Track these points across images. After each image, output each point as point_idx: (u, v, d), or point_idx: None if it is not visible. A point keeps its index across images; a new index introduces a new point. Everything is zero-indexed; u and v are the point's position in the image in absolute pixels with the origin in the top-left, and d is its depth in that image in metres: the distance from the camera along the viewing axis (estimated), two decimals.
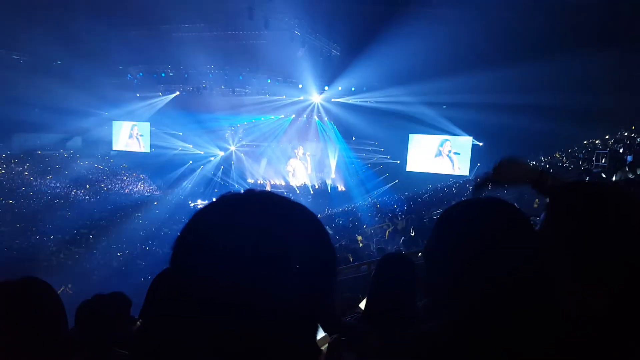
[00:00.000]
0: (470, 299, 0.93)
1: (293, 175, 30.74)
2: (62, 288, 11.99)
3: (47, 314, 1.50)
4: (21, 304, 1.46)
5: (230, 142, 32.56)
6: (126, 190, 28.95)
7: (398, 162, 27.66)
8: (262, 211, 0.65)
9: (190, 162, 31.88)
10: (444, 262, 0.99)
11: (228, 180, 31.14)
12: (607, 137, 15.47)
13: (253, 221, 0.63)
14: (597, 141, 15.48)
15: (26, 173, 26.19)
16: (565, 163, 13.02)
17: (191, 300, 0.59)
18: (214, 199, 0.70)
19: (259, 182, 31.35)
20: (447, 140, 25.13)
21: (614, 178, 6.57)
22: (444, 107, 24.06)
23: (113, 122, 32.24)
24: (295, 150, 30.88)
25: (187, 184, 30.79)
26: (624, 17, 16.32)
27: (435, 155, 25.45)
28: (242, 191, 0.70)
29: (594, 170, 7.65)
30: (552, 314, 0.88)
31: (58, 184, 26.30)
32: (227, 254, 0.59)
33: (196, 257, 0.61)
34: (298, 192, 29.48)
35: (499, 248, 0.93)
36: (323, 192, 29.08)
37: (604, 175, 6.99)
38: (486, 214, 1.01)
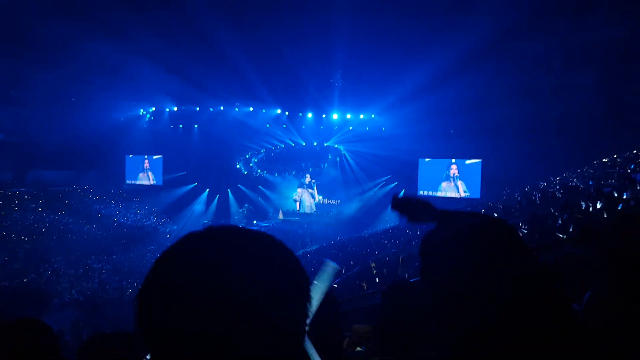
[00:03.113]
0: (464, 322, 0.90)
1: (300, 203, 30.79)
2: (64, 327, 11.85)
3: (40, 355, 1.51)
4: (16, 345, 1.48)
5: (243, 171, 32.84)
6: (139, 224, 29.13)
7: (403, 190, 27.68)
8: (224, 248, 0.63)
9: (205, 192, 32.10)
10: (436, 285, 0.97)
11: (240, 210, 31.25)
12: (615, 156, 15.35)
13: (216, 261, 0.61)
14: (606, 160, 15.35)
15: (40, 209, 26.52)
16: (576, 183, 12.91)
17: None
18: (176, 242, 0.66)
19: (269, 211, 31.43)
20: (452, 163, 25.20)
21: (624, 196, 6.53)
22: (452, 131, 24.15)
23: (126, 156, 32.81)
24: (302, 180, 31.04)
25: (200, 216, 30.92)
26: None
27: (444, 179, 25.50)
28: (203, 229, 0.68)
29: (605, 190, 7.58)
30: (554, 331, 0.85)
31: (71, 220, 26.56)
32: (194, 298, 0.57)
33: (162, 308, 0.58)
34: (311, 219, 29.44)
35: (490, 268, 0.90)
36: (334, 220, 28.98)
37: (615, 194, 6.94)
38: (475, 232, 0.97)
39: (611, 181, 9.19)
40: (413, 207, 1.41)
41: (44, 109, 26.23)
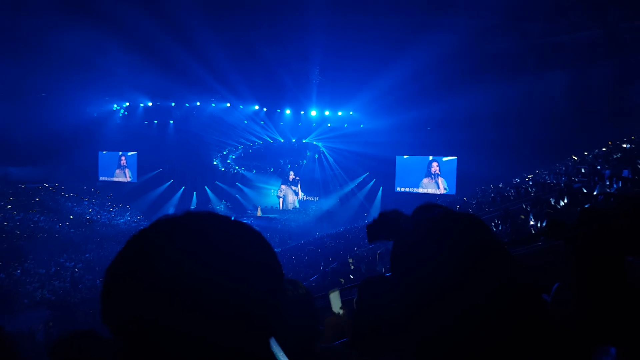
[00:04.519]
0: (444, 320, 0.90)
1: (283, 199, 30.77)
2: (35, 327, 11.56)
3: None
4: None
5: (220, 168, 32.56)
6: (113, 222, 28.58)
7: (381, 187, 27.98)
8: (198, 231, 0.63)
9: (181, 189, 31.67)
10: (407, 287, 0.95)
11: (218, 208, 31.01)
12: (585, 153, 15.84)
13: (190, 242, 0.61)
14: (576, 158, 15.84)
15: (9, 207, 25.74)
16: (548, 179, 13.25)
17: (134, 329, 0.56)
18: (150, 225, 0.66)
19: (247, 207, 31.26)
20: (432, 160, 25.55)
21: (595, 192, 6.74)
22: (429, 128, 24.44)
23: (99, 152, 32.11)
24: (286, 177, 31.01)
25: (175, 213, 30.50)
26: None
27: (426, 176, 25.80)
28: (180, 214, 0.68)
29: (575, 186, 7.81)
30: (534, 334, 0.86)
31: (42, 218, 25.87)
32: (166, 287, 0.56)
33: (134, 295, 0.57)
34: (289, 216, 29.43)
35: (465, 269, 0.90)
36: (314, 215, 29.05)
37: (584, 190, 7.16)
38: (449, 231, 0.97)
39: (581, 177, 9.47)
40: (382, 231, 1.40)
41: (13, 103, 25.41)
